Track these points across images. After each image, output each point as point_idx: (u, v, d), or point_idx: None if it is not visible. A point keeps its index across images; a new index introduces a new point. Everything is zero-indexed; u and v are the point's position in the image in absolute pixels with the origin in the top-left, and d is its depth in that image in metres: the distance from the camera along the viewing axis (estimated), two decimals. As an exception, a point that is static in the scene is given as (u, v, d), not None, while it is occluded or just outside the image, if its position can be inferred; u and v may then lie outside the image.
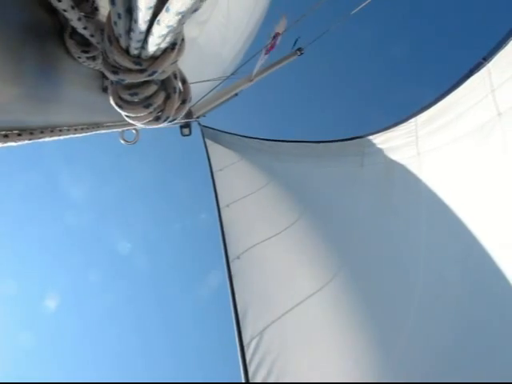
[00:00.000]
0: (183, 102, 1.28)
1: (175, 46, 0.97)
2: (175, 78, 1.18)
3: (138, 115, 1.19)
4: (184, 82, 1.26)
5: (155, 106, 1.17)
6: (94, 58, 1.33)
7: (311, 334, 4.15)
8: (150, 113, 1.20)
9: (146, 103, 1.15)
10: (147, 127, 1.29)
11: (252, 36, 6.42)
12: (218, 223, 5.57)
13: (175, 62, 1.03)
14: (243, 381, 3.54)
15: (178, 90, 1.21)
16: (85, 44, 1.25)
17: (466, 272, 3.91)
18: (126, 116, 1.22)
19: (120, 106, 1.16)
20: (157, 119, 1.24)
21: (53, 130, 1.32)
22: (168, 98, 1.20)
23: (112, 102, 1.18)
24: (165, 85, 1.18)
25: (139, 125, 1.27)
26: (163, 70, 1.02)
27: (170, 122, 1.29)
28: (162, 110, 1.22)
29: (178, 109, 1.27)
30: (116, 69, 1.03)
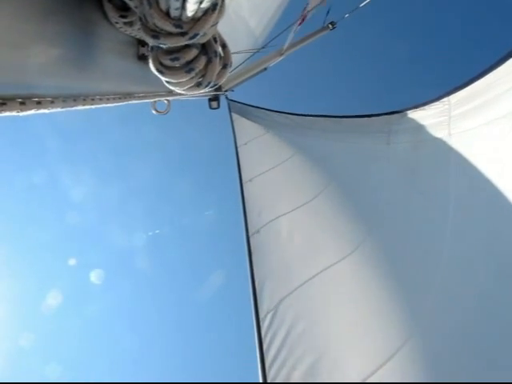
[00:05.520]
0: (224, 66, 1.27)
1: (216, 6, 0.94)
2: (215, 41, 1.16)
3: (180, 81, 1.18)
4: (224, 46, 1.25)
5: (197, 70, 1.16)
6: (131, 24, 1.30)
7: (328, 305, 4.19)
8: (192, 78, 1.18)
9: (187, 68, 1.14)
10: (188, 93, 1.28)
11: (282, 7, 6.26)
12: (240, 197, 5.60)
13: (216, 23, 1.01)
14: (258, 354, 3.61)
15: (218, 54, 1.20)
16: (123, 8, 1.22)
17: (492, 257, 3.84)
18: (167, 82, 1.21)
19: (161, 72, 1.15)
20: (198, 85, 1.23)
21: (85, 98, 1.31)
22: (209, 62, 1.18)
23: (153, 68, 1.16)
24: (205, 49, 1.16)
25: (181, 91, 1.25)
26: (204, 33, 1.00)
27: (211, 87, 1.27)
28: (203, 75, 1.21)
29: (220, 73, 1.26)
30: (156, 33, 1.01)
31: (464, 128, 5.07)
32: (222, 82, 1.30)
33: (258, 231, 5.07)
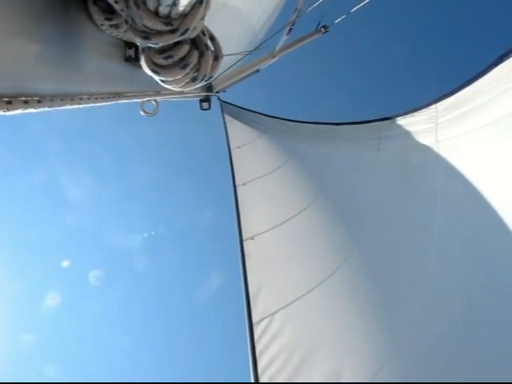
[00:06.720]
0: (216, 58, 1.28)
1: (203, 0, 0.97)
2: (204, 35, 1.18)
3: (175, 78, 1.19)
4: (212, 38, 1.26)
5: (191, 65, 1.17)
6: (117, 26, 1.30)
7: (323, 318, 4.18)
8: (187, 74, 1.20)
9: (181, 64, 1.15)
10: (184, 90, 1.29)
11: (276, 11, 6.29)
12: (233, 201, 5.57)
13: (204, 16, 1.03)
14: (250, 359, 3.59)
15: (209, 47, 1.22)
16: (108, 11, 1.23)
17: (480, 263, 3.87)
18: (162, 81, 1.21)
19: (156, 72, 1.16)
20: (194, 79, 1.24)
21: (73, 98, 1.31)
22: (202, 55, 1.20)
23: (146, 69, 1.17)
24: (196, 43, 1.17)
25: (177, 88, 1.26)
26: (194, 27, 1.01)
27: (206, 81, 1.29)
28: (197, 70, 1.22)
29: (213, 65, 1.27)
30: (147, 34, 1.01)
31: (451, 135, 5.12)
32: (216, 74, 1.32)
33: (252, 238, 5.04)
